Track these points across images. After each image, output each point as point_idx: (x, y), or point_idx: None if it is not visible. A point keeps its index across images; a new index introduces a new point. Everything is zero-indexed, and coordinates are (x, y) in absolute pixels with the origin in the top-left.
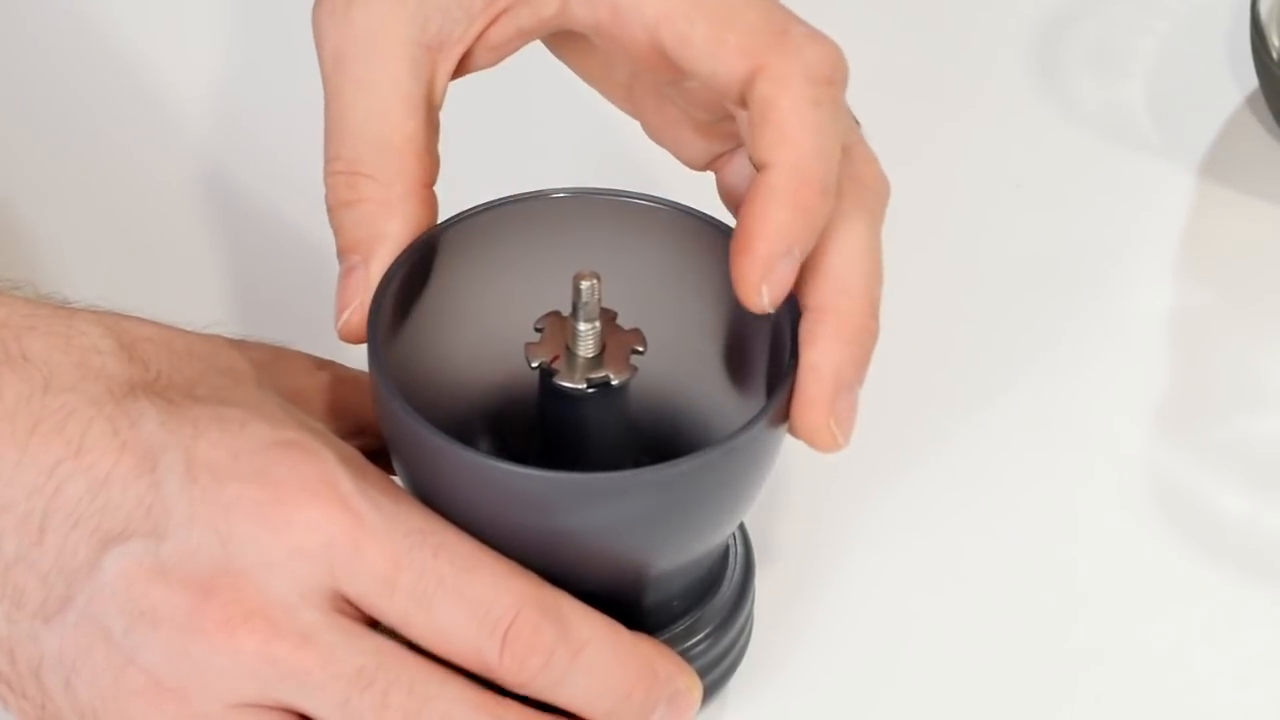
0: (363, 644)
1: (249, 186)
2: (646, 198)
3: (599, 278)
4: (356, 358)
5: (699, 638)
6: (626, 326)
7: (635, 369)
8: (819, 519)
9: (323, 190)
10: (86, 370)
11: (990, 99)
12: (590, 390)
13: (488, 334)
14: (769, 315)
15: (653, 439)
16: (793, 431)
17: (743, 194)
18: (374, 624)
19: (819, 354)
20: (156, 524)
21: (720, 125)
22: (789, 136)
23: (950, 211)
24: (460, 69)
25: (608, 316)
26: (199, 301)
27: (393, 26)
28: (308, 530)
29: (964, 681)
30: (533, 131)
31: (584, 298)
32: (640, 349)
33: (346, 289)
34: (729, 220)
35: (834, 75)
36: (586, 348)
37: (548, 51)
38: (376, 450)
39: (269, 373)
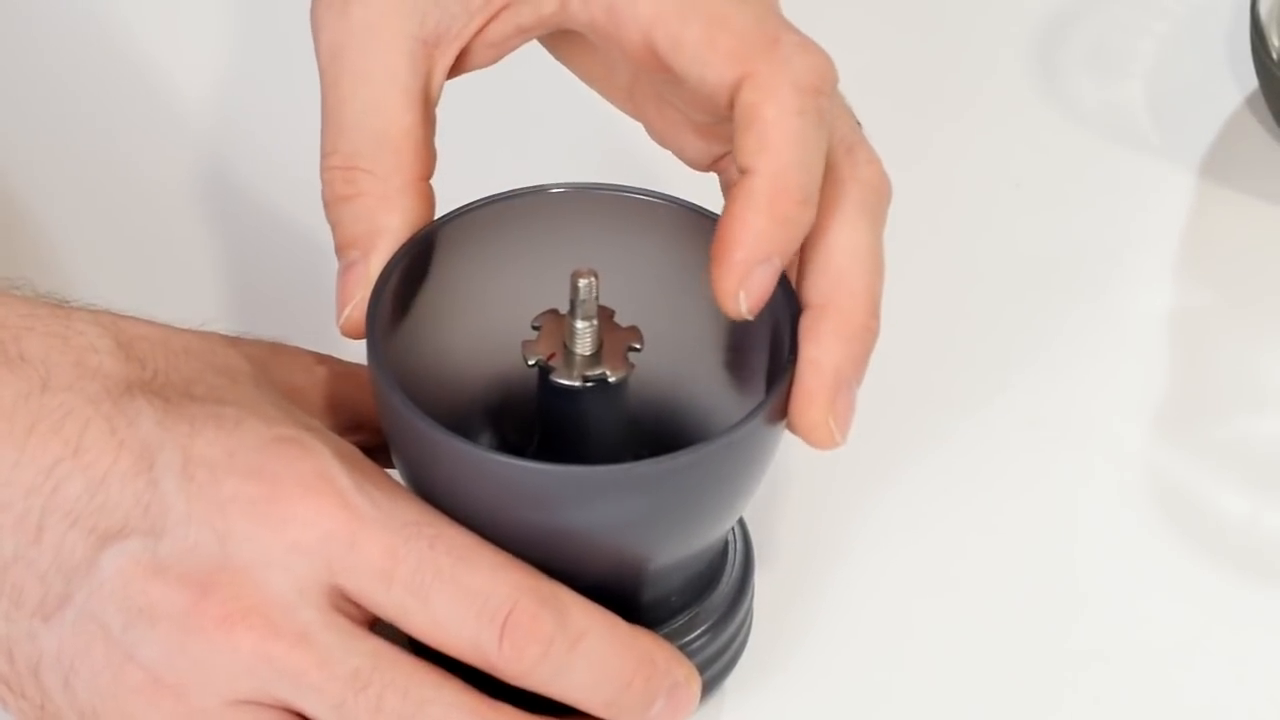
0: (360, 645)
1: (248, 184)
2: (645, 192)
3: (596, 275)
4: (355, 353)
5: (698, 633)
6: (624, 323)
7: (633, 366)
8: (819, 518)
9: (319, 187)
10: (84, 369)
11: (990, 99)
12: (588, 386)
13: (487, 329)
14: (770, 312)
15: (652, 434)
16: (791, 427)
17: None
18: (374, 624)
19: (819, 350)
20: (154, 522)
21: (720, 127)
22: (771, 144)
23: (950, 211)
24: (458, 66)
25: (605, 314)
26: (197, 298)
27: (391, 20)
28: (304, 526)
29: (963, 681)
30: (533, 128)
31: (581, 295)
32: (638, 346)
33: (346, 285)
34: None
35: (821, 85)
36: (584, 345)
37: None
38: (375, 446)
39: (266, 370)
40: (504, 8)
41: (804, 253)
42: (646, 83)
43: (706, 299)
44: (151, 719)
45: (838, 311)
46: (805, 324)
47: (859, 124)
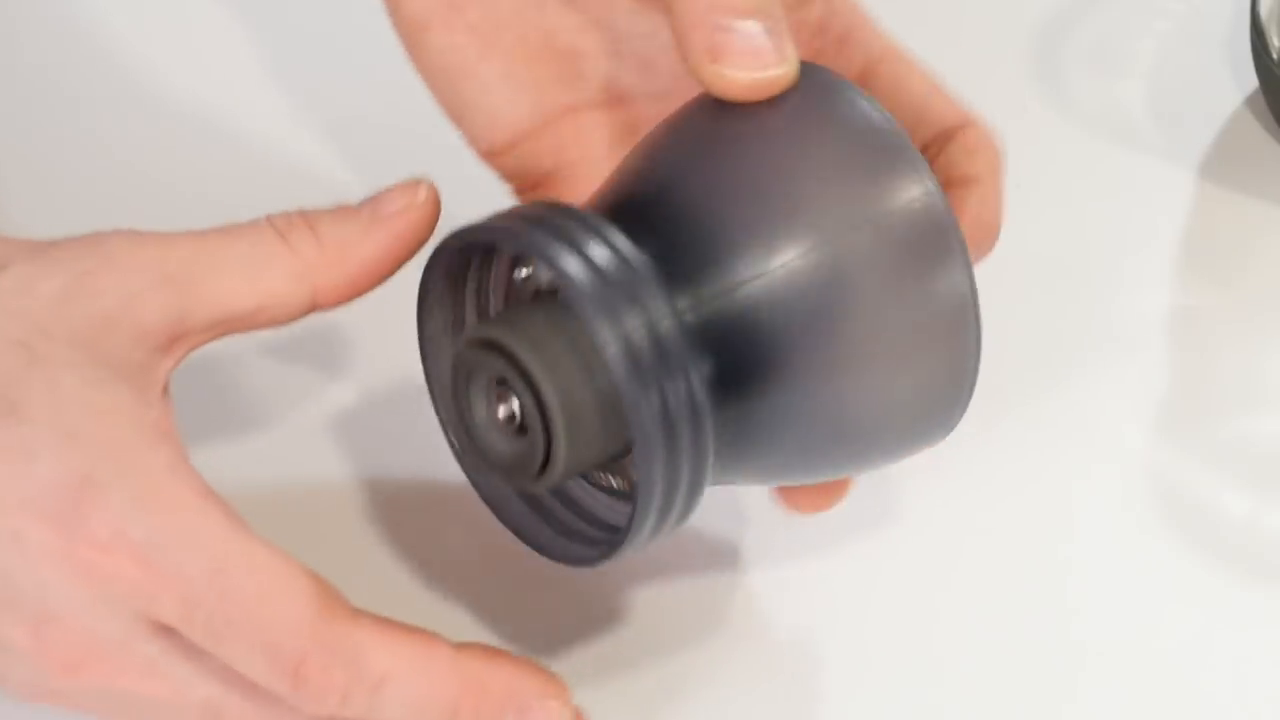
0: (207, 674)
1: (247, 180)
2: None
3: None
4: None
5: None
6: None
7: None
8: (818, 518)
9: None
10: None
11: (990, 99)
12: None
13: None
14: None
15: None
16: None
17: None
18: None
19: None
20: None
21: None
22: None
23: None
24: None
25: None
26: None
27: None
28: (106, 582)
29: (963, 680)
30: None
31: None
32: None
33: None
34: None
35: None
36: None
37: None
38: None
39: (66, 310)
40: None
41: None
42: None
43: None
44: None
45: None
46: None
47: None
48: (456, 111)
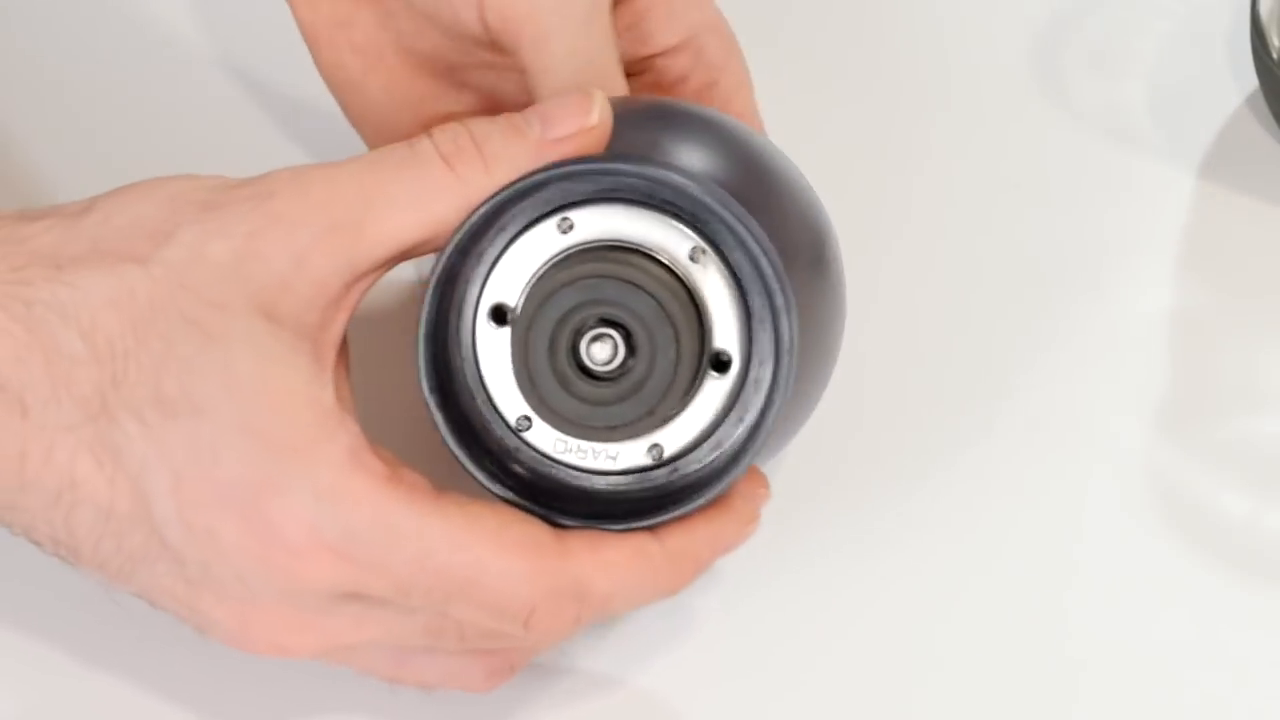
0: (415, 606)
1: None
2: None
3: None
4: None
5: None
6: None
7: None
8: (818, 518)
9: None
10: (55, 380)
11: (990, 99)
12: None
13: None
14: None
15: None
16: None
17: None
18: None
19: None
20: (173, 555)
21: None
22: None
23: (950, 211)
24: None
25: None
26: None
27: None
28: (307, 580)
29: (962, 680)
30: None
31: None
32: None
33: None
34: None
35: None
36: None
37: None
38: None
39: (239, 276)
40: None
41: None
42: None
43: None
44: None
45: None
46: None
47: None
48: (350, 116)
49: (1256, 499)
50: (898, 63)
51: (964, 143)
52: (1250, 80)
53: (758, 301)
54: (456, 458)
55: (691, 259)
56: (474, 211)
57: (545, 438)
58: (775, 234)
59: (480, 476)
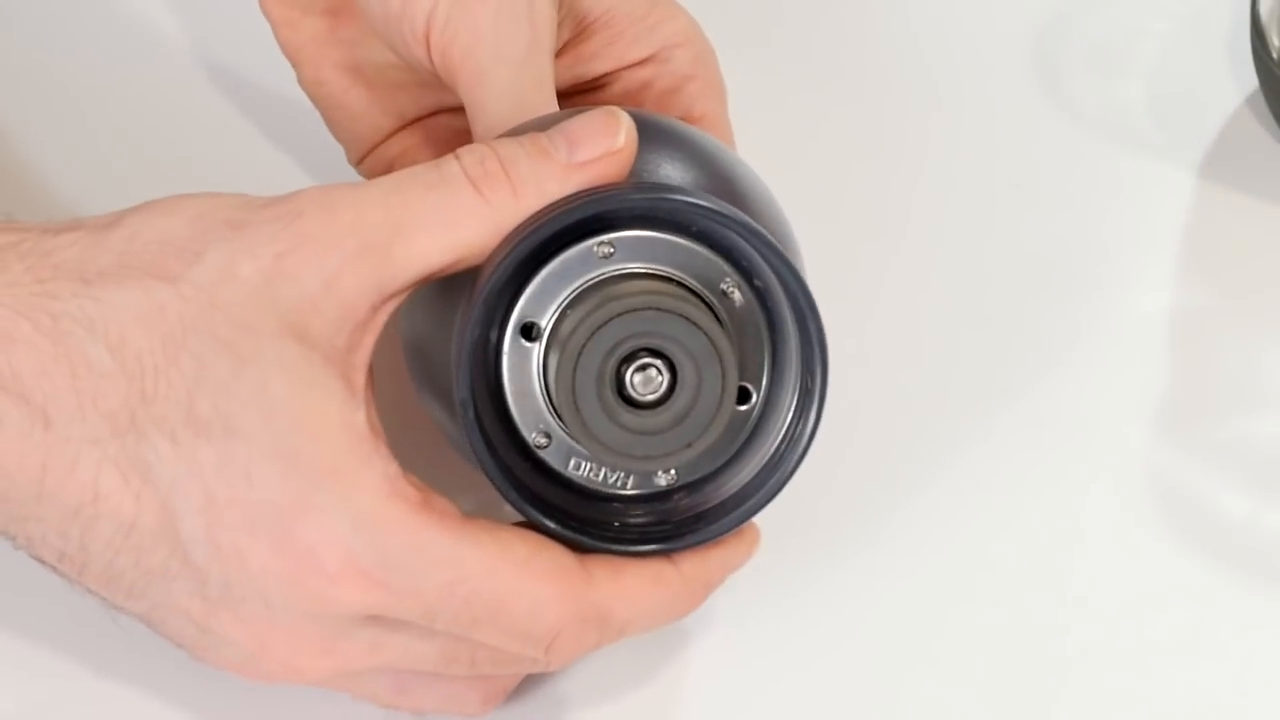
0: (431, 630)
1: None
2: None
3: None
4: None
5: None
6: None
7: None
8: (818, 519)
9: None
10: (81, 394)
11: (990, 99)
12: None
13: None
14: None
15: None
16: None
17: None
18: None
19: None
20: (193, 573)
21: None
22: None
23: (950, 212)
24: None
25: None
26: None
27: None
28: (337, 605)
29: (961, 679)
30: None
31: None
32: None
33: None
34: None
35: None
36: None
37: None
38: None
39: (270, 293)
40: None
41: None
42: None
43: None
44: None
45: None
46: None
47: None
48: (333, 129)
49: (1256, 499)
50: (898, 63)
51: (964, 143)
52: (1250, 80)
53: (782, 335)
54: (488, 475)
55: (724, 290)
56: (523, 238)
57: (575, 461)
58: None
59: (511, 495)
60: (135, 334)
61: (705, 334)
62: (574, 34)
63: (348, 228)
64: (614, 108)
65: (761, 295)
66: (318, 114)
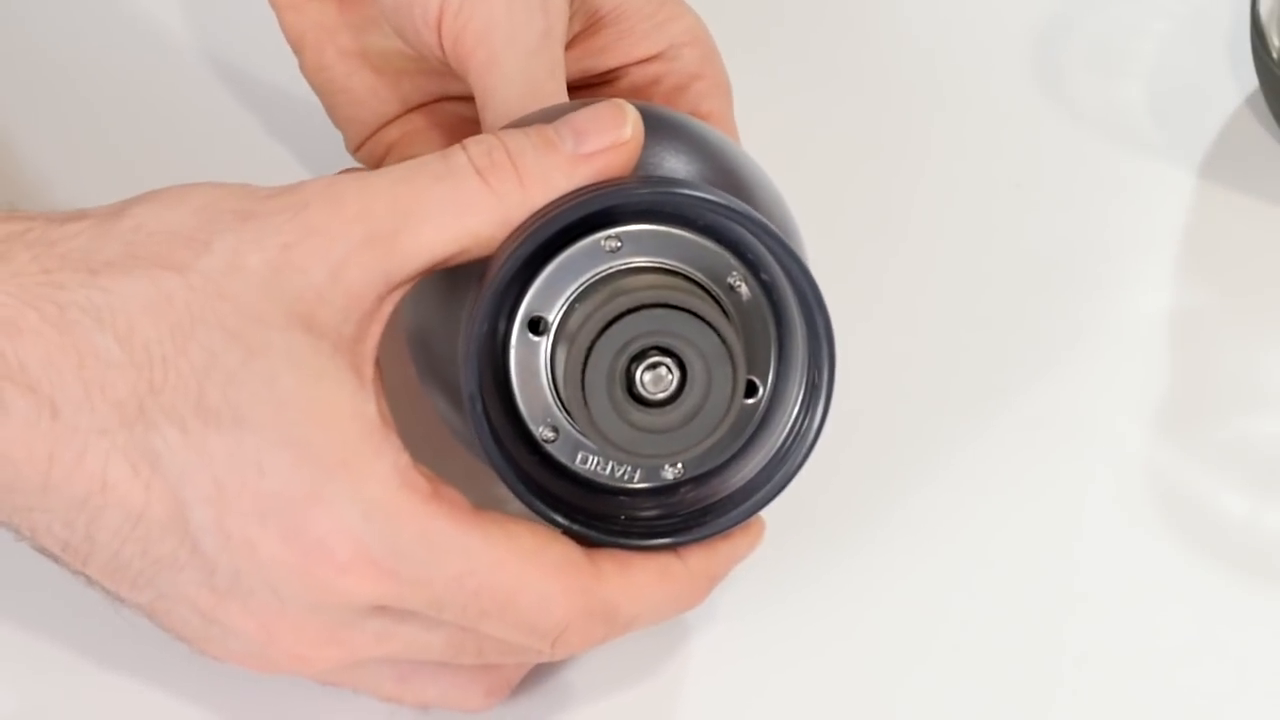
0: (437, 621)
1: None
2: None
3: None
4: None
5: None
6: None
7: None
8: (819, 518)
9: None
10: (89, 384)
11: (990, 99)
12: None
13: None
14: None
15: None
16: None
17: None
18: None
19: None
20: (201, 562)
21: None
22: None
23: (950, 211)
24: None
25: None
26: None
27: None
28: (346, 595)
29: (961, 679)
30: None
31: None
32: None
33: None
34: None
35: None
36: None
37: None
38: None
39: (277, 289)
40: None
41: None
42: None
43: None
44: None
45: None
46: None
47: None
48: (334, 117)
49: (1256, 499)
50: (898, 62)
51: (964, 143)
52: (1250, 80)
53: (789, 329)
54: (496, 468)
55: (731, 284)
56: (531, 232)
57: (583, 455)
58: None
59: (518, 489)
60: (143, 324)
61: (716, 331)
62: (584, 27)
63: (354, 218)
64: (620, 100)
65: (768, 289)
66: (316, 106)
